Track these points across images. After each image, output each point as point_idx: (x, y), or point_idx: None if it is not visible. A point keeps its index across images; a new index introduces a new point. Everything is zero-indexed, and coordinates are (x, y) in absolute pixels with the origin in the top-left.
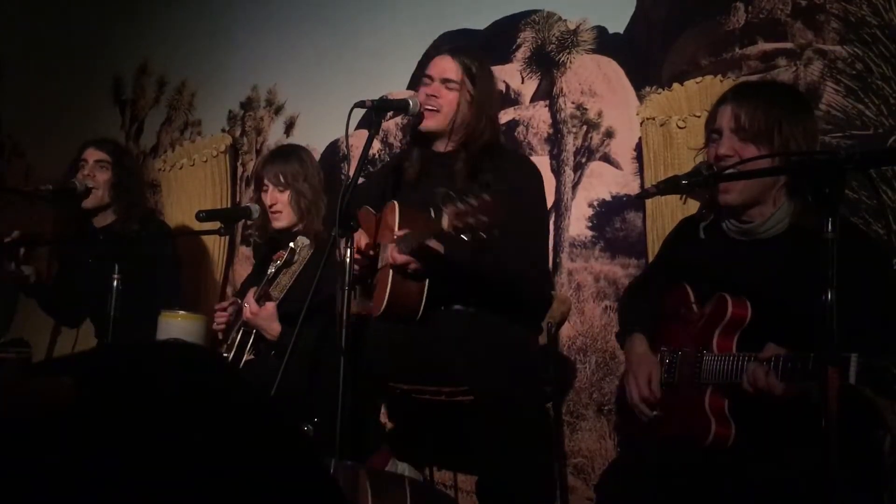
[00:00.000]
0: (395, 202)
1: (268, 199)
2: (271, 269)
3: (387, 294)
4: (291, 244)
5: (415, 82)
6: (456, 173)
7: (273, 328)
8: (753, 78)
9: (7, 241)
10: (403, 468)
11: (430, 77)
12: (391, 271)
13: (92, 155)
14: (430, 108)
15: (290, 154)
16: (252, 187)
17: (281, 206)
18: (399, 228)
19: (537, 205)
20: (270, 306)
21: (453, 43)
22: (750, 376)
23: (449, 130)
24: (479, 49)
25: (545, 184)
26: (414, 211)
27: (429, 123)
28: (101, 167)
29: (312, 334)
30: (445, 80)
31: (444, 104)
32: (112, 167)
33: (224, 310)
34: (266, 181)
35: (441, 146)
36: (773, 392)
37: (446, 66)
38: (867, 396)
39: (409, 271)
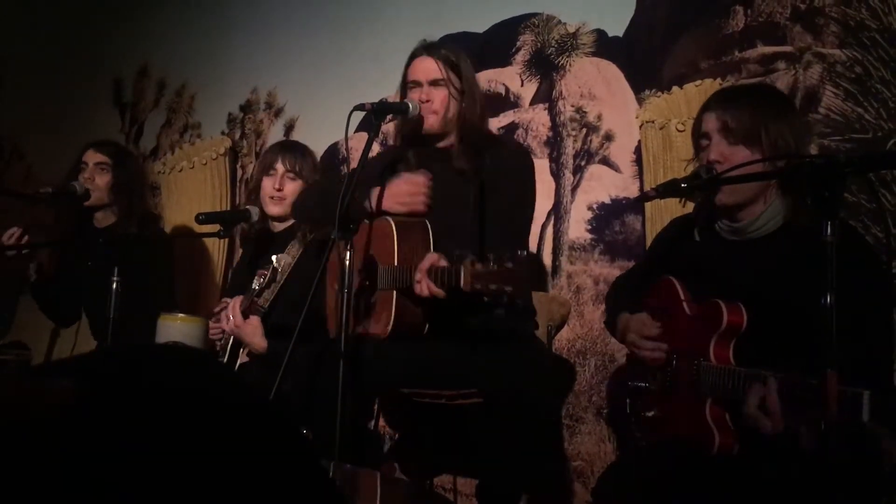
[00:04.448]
0: (391, 221)
1: (276, 182)
2: (255, 286)
3: (392, 317)
4: (273, 261)
5: (402, 88)
6: (455, 166)
7: (257, 343)
8: (749, 82)
9: (6, 238)
10: None
11: (416, 82)
12: (395, 293)
13: (92, 157)
14: (427, 111)
15: (305, 150)
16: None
17: (287, 193)
18: (399, 253)
19: (528, 193)
20: (255, 321)
21: (426, 42)
22: (750, 413)
23: (447, 127)
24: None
25: (544, 187)
26: (411, 233)
27: (430, 124)
28: (101, 169)
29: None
30: (433, 82)
31: (438, 107)
32: (112, 169)
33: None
34: (279, 165)
35: (440, 142)
36: (776, 427)
37: (429, 67)
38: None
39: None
